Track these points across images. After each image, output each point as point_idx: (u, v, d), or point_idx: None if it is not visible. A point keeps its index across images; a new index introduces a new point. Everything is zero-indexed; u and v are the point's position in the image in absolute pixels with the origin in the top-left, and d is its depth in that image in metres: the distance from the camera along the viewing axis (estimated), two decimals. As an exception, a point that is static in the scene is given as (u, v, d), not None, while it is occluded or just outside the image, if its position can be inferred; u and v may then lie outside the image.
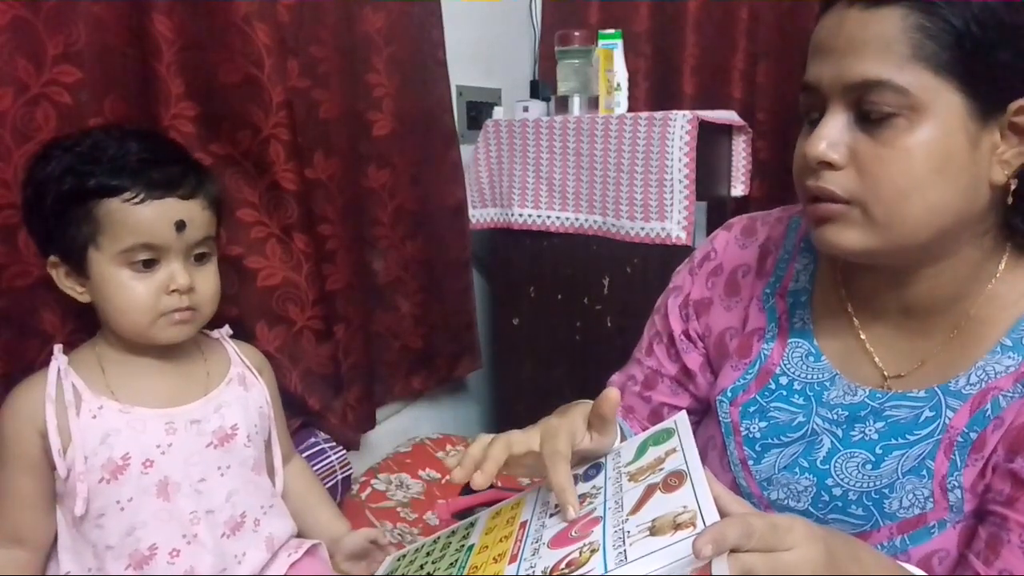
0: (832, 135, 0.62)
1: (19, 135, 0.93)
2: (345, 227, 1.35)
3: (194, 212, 0.86)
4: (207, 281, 0.89)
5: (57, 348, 0.87)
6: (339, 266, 1.34)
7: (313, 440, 1.26)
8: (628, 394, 0.92)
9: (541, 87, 1.81)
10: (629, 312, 1.55)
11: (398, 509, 1.34)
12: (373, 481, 1.40)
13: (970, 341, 0.68)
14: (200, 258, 0.89)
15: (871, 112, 0.61)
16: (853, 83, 0.61)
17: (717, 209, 1.63)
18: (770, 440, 0.77)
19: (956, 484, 0.65)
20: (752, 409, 0.79)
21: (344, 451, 1.31)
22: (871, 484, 0.69)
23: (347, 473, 1.31)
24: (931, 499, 0.66)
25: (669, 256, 1.44)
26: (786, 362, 0.79)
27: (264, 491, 0.96)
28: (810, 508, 0.72)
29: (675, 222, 1.47)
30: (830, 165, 0.63)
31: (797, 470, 0.74)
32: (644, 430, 0.92)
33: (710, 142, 1.52)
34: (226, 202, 1.04)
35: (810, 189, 0.65)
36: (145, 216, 0.82)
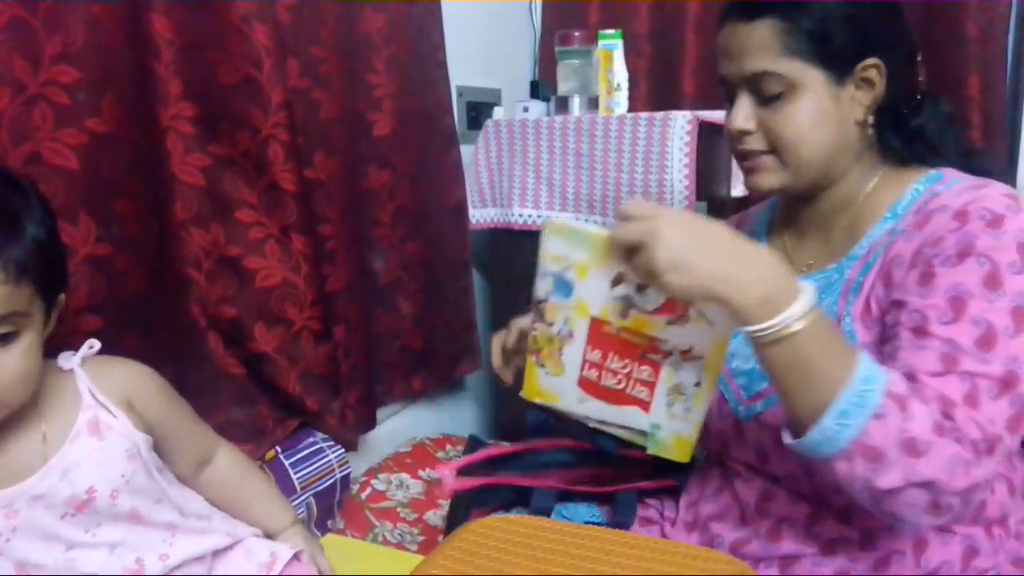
0: (744, 111, 0.87)
1: (16, 136, 0.93)
2: (345, 227, 1.35)
3: None
4: (9, 366, 0.72)
5: None
6: (339, 266, 1.34)
7: (311, 439, 1.26)
8: None
9: (541, 87, 1.81)
10: (629, 312, 1.54)
11: (398, 509, 1.34)
12: (373, 481, 1.40)
13: (860, 229, 0.89)
14: (3, 339, 0.72)
15: (765, 92, 0.85)
16: (750, 74, 0.85)
17: (717, 209, 1.61)
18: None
19: (847, 314, 0.85)
20: None
21: (342, 450, 1.31)
22: None
23: (345, 472, 1.31)
24: None
25: (669, 256, 1.44)
26: None
27: (161, 523, 0.85)
28: (755, 367, 0.89)
29: (675, 222, 1.46)
30: (746, 132, 0.88)
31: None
32: None
33: (710, 142, 1.51)
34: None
35: (738, 152, 0.90)
36: None
